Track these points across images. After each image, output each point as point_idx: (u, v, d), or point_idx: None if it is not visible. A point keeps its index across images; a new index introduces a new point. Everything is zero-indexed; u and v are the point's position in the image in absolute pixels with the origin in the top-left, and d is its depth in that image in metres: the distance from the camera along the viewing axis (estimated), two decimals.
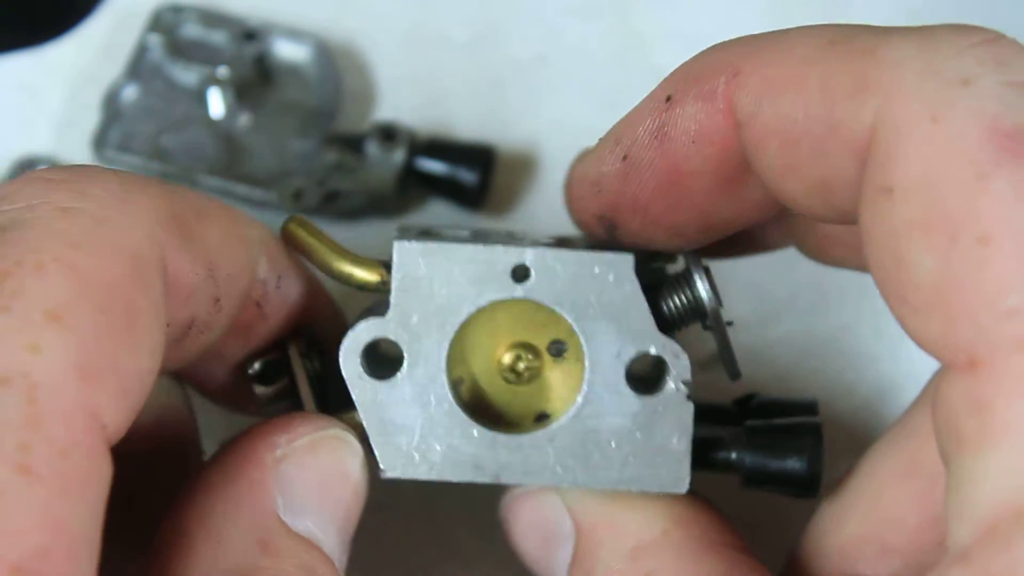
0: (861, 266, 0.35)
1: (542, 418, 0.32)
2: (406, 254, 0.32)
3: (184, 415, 0.35)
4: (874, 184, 0.26)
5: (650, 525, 0.32)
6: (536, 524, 0.33)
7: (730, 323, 0.33)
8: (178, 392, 0.34)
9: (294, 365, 0.33)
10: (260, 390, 0.33)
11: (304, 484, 0.30)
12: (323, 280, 0.35)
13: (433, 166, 0.46)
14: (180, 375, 0.34)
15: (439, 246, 0.32)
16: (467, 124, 0.48)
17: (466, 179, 0.46)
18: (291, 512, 0.30)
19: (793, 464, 0.33)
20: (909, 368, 0.43)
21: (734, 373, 0.34)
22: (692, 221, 0.32)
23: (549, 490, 0.33)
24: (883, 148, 0.26)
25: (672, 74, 0.31)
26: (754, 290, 0.45)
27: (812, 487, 0.33)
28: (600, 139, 0.33)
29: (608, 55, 0.49)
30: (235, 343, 0.33)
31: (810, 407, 0.35)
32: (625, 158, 0.31)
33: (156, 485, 0.31)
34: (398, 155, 0.46)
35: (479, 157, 0.46)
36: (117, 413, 0.25)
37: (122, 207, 0.27)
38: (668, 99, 0.30)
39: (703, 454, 0.33)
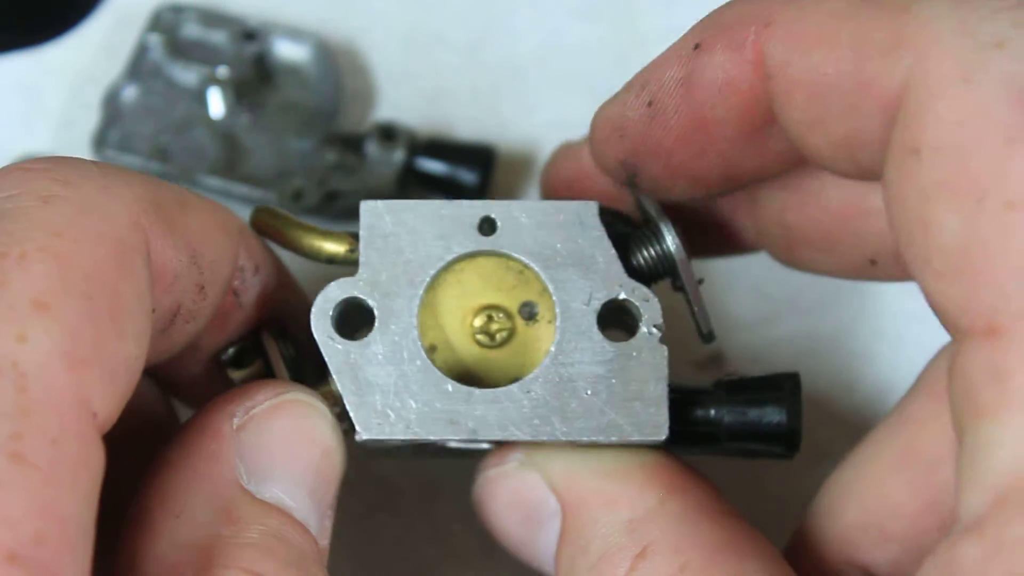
0: (828, 270, 0.35)
1: None
2: (373, 213, 0.32)
3: (161, 409, 0.35)
4: (902, 144, 0.26)
5: (644, 496, 0.31)
6: (515, 504, 0.33)
7: (700, 280, 0.33)
8: (151, 384, 0.34)
9: (267, 345, 0.33)
10: (234, 374, 0.33)
11: (266, 450, 0.30)
12: (297, 275, 0.36)
13: (433, 166, 0.46)
14: (154, 373, 0.34)
15: (405, 203, 0.32)
16: (467, 124, 0.48)
17: (466, 179, 0.46)
18: (255, 480, 0.29)
19: (772, 415, 0.33)
20: (908, 367, 0.43)
21: (707, 334, 0.33)
22: (714, 169, 0.32)
23: (528, 467, 0.32)
24: (913, 108, 0.26)
25: (700, 22, 0.31)
26: (754, 290, 0.45)
27: (792, 440, 0.33)
28: (625, 84, 0.33)
29: (608, 55, 0.49)
30: (212, 333, 0.33)
31: (791, 378, 0.34)
32: (650, 103, 0.31)
33: (134, 480, 0.30)
34: (398, 155, 0.46)
35: (479, 157, 0.46)
36: (106, 399, 0.25)
37: (104, 195, 0.27)
38: (696, 47, 0.30)
39: (682, 414, 0.33)
